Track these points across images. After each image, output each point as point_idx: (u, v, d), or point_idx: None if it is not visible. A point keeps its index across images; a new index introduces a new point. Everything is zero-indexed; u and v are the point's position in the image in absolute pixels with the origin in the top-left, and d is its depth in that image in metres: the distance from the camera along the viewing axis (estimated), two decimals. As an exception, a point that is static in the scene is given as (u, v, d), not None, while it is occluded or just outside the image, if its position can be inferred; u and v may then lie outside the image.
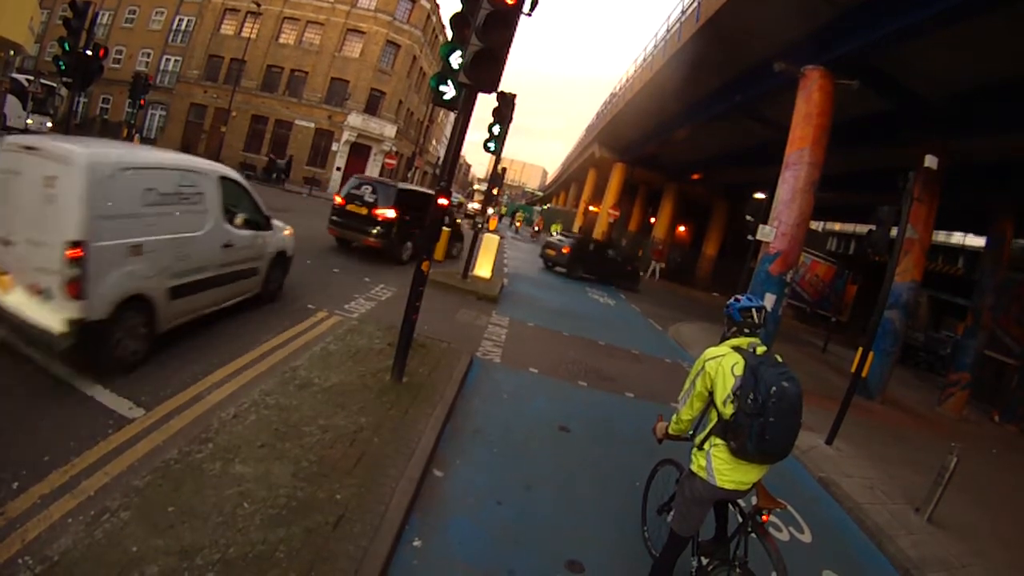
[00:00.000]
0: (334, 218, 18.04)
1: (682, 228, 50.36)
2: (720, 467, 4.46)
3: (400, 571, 4.80)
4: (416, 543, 5.16)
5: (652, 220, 49.93)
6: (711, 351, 4.59)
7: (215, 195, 8.72)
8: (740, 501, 4.90)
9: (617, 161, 45.58)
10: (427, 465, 6.32)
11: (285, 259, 11.48)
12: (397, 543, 4.99)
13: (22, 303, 6.59)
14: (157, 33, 52.27)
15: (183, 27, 51.85)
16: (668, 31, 25.25)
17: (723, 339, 4.76)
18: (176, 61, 51.63)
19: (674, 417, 4.95)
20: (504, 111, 15.50)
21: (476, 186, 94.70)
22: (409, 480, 5.78)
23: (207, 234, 8.53)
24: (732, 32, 18.73)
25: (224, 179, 9.11)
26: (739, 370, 4.31)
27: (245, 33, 48.82)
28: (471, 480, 6.49)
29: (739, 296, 4.86)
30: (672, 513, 5.06)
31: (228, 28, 50.62)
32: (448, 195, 8.32)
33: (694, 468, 4.66)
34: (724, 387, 4.37)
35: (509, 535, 5.66)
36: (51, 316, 6.42)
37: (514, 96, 15.65)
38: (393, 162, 46.87)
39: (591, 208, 54.55)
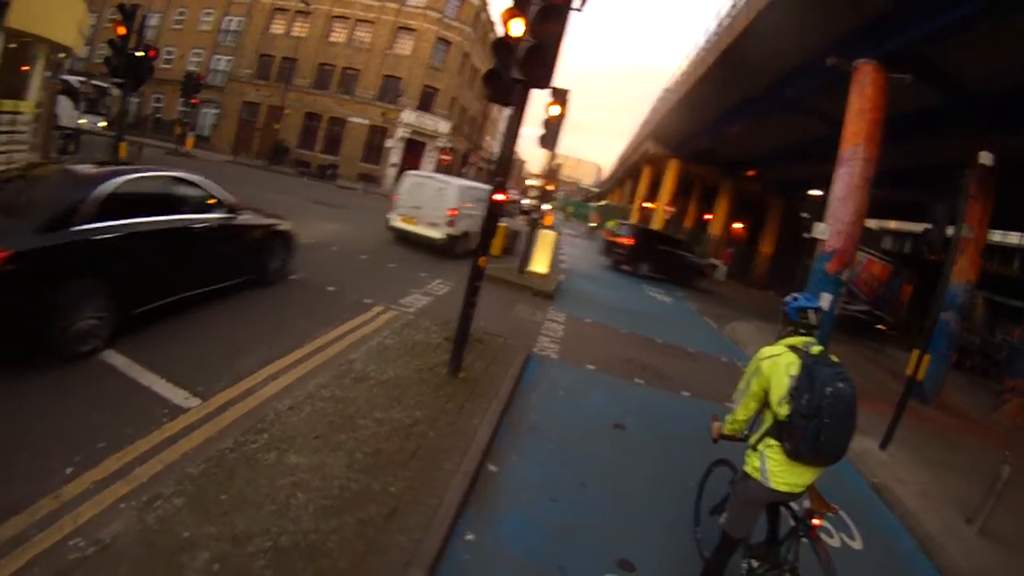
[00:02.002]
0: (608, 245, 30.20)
1: (738, 225, 49.59)
2: (774, 469, 4.38)
3: (452, 565, 4.74)
4: (469, 537, 5.11)
5: (708, 217, 49.32)
6: (766, 350, 4.51)
7: (484, 197, 15.47)
8: (793, 504, 4.79)
9: (671, 157, 44.89)
10: (482, 460, 6.27)
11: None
12: (450, 536, 4.94)
13: (421, 230, 18.37)
14: (207, 33, 53.21)
15: (232, 27, 52.68)
16: (719, 24, 24.77)
17: (779, 338, 4.66)
18: (227, 60, 52.41)
19: (729, 417, 4.87)
20: (557, 107, 15.29)
21: (531, 182, 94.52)
22: (464, 474, 5.72)
23: (480, 214, 16.60)
24: (784, 24, 18.35)
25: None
26: (794, 370, 4.22)
27: (295, 32, 49.49)
28: (526, 476, 6.43)
29: (796, 295, 4.76)
30: (725, 514, 5.05)
31: (278, 27, 51.24)
32: (504, 191, 8.24)
33: (748, 469, 4.60)
34: (779, 387, 4.28)
35: (562, 532, 5.58)
36: (438, 233, 18.21)
37: (567, 91, 15.44)
38: (448, 158, 47.02)
39: (646, 205, 54.06)
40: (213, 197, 9.34)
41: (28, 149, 15.57)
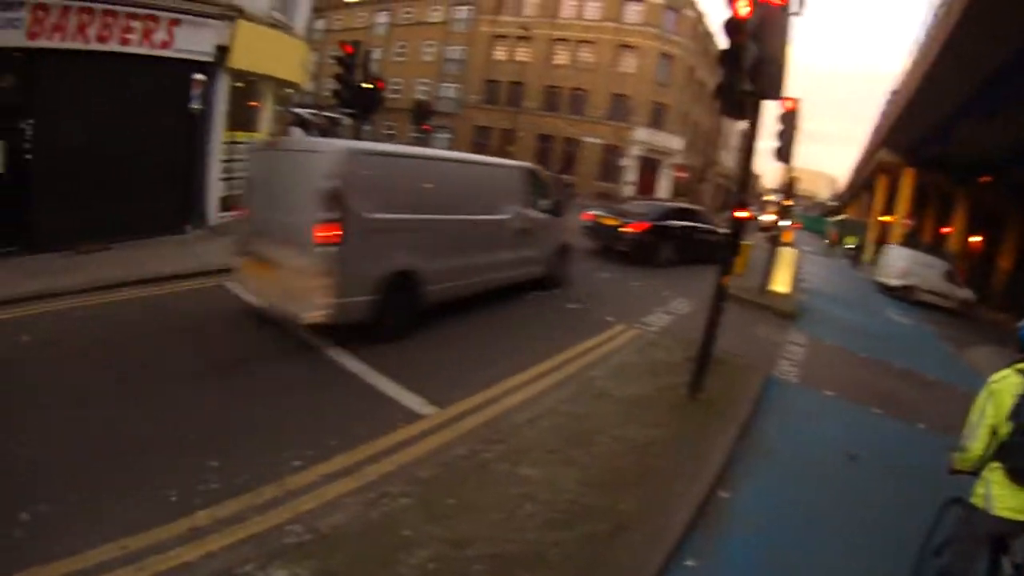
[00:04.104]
0: None
1: (975, 239, 45.07)
2: (997, 492, 4.14)
3: (669, 588, 4.58)
4: (689, 562, 4.87)
5: (944, 230, 45.33)
6: (994, 376, 4.32)
7: (933, 264, 28.76)
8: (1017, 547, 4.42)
9: (906, 166, 41.65)
10: (714, 484, 6.02)
11: None
12: (671, 560, 4.74)
13: (883, 279, 28.12)
14: (431, 64, 57.15)
15: (455, 56, 56.00)
16: (936, 16, 22.64)
17: (1009, 364, 4.39)
18: (455, 88, 55.43)
19: (957, 454, 4.54)
20: (790, 117, 14.65)
21: (767, 197, 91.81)
22: (694, 498, 5.52)
23: (924, 275, 27.87)
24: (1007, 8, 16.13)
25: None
26: (1019, 389, 4.08)
27: (518, 57, 51.34)
28: (754, 504, 6.10)
29: None
30: (945, 554, 4.77)
31: (500, 54, 53.64)
32: (746, 207, 7.93)
33: (974, 499, 4.35)
34: (1004, 407, 4.13)
35: (782, 566, 5.26)
36: (894, 282, 26.94)
37: (799, 101, 14.76)
38: (684, 175, 46.65)
39: (884, 218, 50.48)
40: (706, 216, 21.35)
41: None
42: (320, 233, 7.44)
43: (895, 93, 37.24)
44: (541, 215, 12.17)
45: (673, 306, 13.85)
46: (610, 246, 17.97)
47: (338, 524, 4.26)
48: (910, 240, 42.29)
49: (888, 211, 47.36)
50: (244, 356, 7.47)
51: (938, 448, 6.55)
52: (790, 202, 22.97)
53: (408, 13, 59.32)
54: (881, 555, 5.76)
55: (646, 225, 17.69)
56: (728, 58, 7.41)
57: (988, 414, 4.21)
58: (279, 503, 4.65)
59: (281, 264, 8.02)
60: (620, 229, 17.62)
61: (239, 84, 14.77)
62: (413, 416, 6.38)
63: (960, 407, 10.28)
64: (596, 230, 18.60)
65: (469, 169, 10.98)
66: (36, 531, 4.09)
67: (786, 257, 18.41)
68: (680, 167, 47.13)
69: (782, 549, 5.48)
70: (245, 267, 8.77)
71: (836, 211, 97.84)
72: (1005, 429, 4.09)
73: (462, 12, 55.84)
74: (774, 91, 7.43)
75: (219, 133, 13.97)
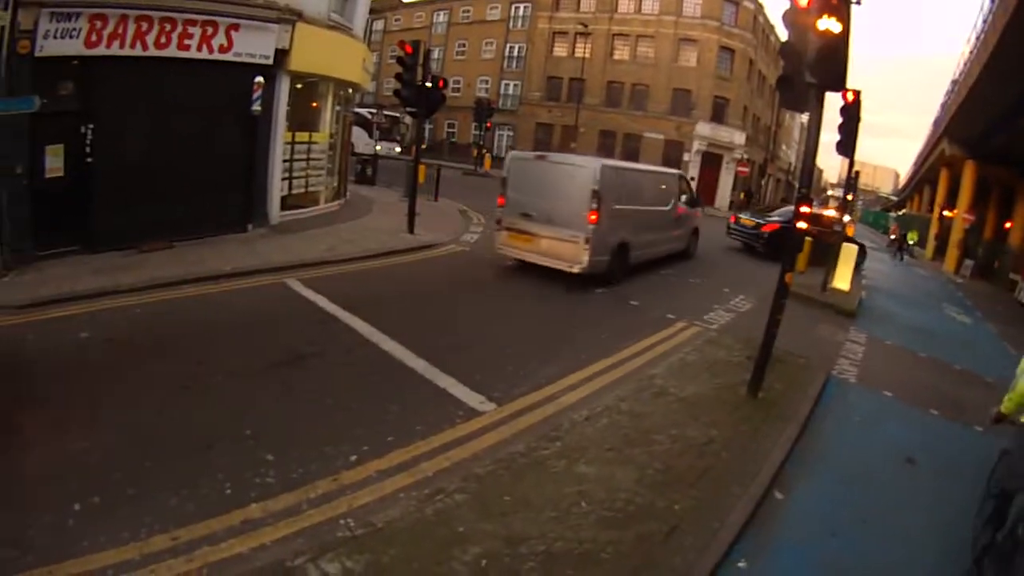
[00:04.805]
0: None
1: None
2: None
3: (719, 589, 4.56)
4: (741, 564, 4.83)
5: (1007, 225, 43.55)
6: None
7: None
8: None
9: (967, 159, 40.14)
10: (770, 486, 5.95)
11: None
12: (722, 561, 4.71)
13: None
14: (491, 62, 56.85)
15: (515, 54, 55.72)
16: (993, 1, 21.39)
17: None
18: (515, 85, 55.30)
19: (1010, 389, 5.59)
20: (852, 110, 14.31)
21: (830, 192, 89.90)
22: (749, 499, 5.47)
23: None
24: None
25: None
26: None
27: (578, 53, 50.51)
28: (810, 506, 6.02)
29: None
30: (998, 469, 5.45)
31: (560, 50, 53.07)
32: (810, 203, 7.78)
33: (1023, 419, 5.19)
34: None
35: (834, 570, 5.18)
36: None
37: (860, 92, 14.40)
38: (746, 170, 46.00)
39: (945, 213, 48.77)
40: (831, 218, 21.96)
41: (326, 174, 17.84)
42: (590, 217, 12.04)
43: (955, 83, 35.94)
44: (685, 206, 17.62)
45: (734, 303, 13.83)
46: (749, 244, 22.32)
47: (392, 519, 4.33)
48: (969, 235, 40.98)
49: (950, 205, 45.86)
50: (302, 352, 7.65)
51: (995, 451, 6.40)
52: (851, 197, 22.55)
53: (466, 12, 59.47)
54: (936, 560, 5.69)
55: (776, 226, 21.35)
56: (789, 50, 7.36)
57: None
58: (333, 497, 4.76)
59: (546, 236, 12.56)
60: (756, 230, 21.91)
61: (299, 86, 15.09)
62: (472, 413, 6.48)
63: (1020, 410, 9.91)
64: (738, 229, 22.94)
65: (652, 175, 16.68)
66: (88, 521, 4.26)
67: (848, 253, 17.99)
68: (742, 162, 46.24)
69: (835, 552, 5.42)
70: (505, 237, 13.36)
71: (897, 206, 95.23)
72: None
73: (520, 9, 55.72)
74: (836, 82, 7.29)
75: (281, 134, 14.34)
